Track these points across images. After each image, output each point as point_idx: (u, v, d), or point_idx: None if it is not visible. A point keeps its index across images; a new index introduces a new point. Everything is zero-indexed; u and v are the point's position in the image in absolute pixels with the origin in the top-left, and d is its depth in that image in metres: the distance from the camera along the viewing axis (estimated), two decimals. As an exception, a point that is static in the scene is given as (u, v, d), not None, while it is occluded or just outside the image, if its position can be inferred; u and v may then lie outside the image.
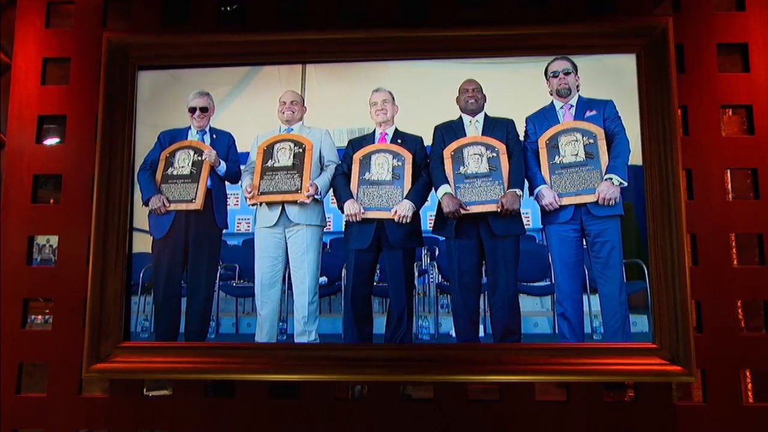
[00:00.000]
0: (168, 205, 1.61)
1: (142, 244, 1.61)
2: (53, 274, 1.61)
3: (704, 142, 1.54)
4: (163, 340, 1.58)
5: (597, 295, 1.53)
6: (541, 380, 1.51)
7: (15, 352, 1.59)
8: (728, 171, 1.55)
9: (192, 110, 1.64)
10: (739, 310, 1.52)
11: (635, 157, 1.54)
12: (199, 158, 1.63)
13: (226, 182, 1.63)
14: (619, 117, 1.56)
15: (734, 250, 1.53)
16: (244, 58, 1.64)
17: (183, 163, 1.63)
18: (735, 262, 1.54)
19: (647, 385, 1.50)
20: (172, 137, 1.64)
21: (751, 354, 1.48)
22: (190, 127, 1.64)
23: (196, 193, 1.61)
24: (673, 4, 1.62)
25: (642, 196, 1.52)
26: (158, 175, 1.63)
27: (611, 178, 1.53)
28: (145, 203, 1.61)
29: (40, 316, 1.76)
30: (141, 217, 1.62)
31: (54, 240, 2.48)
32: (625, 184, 1.53)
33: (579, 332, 1.51)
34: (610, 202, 1.53)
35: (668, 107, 1.50)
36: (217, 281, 1.60)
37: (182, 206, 1.61)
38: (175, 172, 1.63)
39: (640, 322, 1.50)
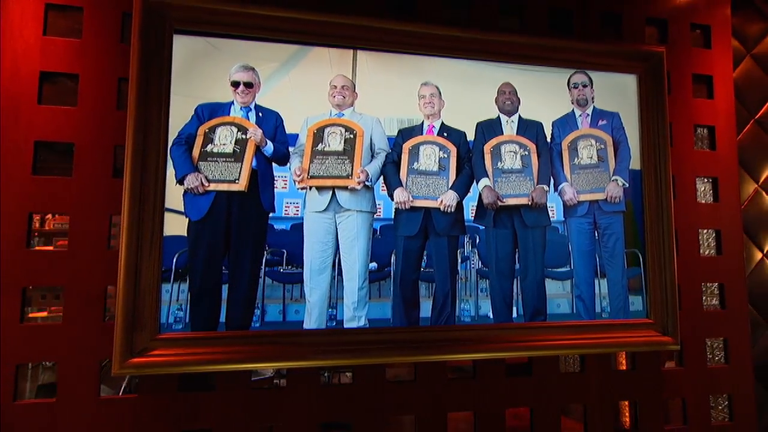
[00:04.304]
0: (207, 184, 1.48)
1: (175, 226, 1.46)
2: (64, 258, 1.38)
3: (682, 154, 1.88)
4: (201, 331, 1.45)
5: (605, 279, 1.78)
6: (563, 353, 1.73)
7: (13, 352, 1.33)
8: (697, 179, 1.91)
9: (235, 84, 1.52)
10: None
11: (634, 163, 1.82)
12: (243, 136, 1.52)
13: (274, 164, 1.55)
14: (623, 128, 1.82)
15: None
16: (291, 36, 1.57)
17: (225, 140, 1.51)
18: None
19: (640, 355, 1.79)
20: (212, 111, 1.51)
21: (710, 326, 1.86)
22: (232, 102, 1.52)
23: (239, 173, 1.50)
24: (661, 38, 1.94)
25: (639, 196, 1.81)
26: (195, 152, 1.48)
27: (617, 180, 1.79)
28: (180, 181, 1.46)
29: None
30: (173, 196, 1.46)
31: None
32: (627, 185, 1.80)
33: (592, 311, 1.75)
34: (616, 200, 1.78)
35: (662, 124, 1.80)
36: (262, 267, 1.52)
37: (224, 186, 1.49)
38: (215, 150, 1.50)
39: (636, 302, 1.79)
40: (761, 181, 2.15)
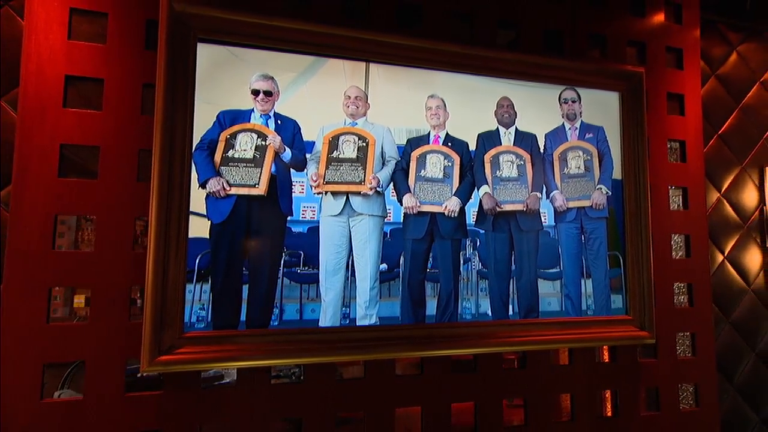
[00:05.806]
0: (228, 188, 1.54)
1: (197, 228, 1.51)
2: (90, 259, 1.42)
3: (658, 166, 2.07)
4: (223, 329, 1.51)
5: (590, 279, 1.94)
6: (554, 348, 1.88)
7: (39, 351, 1.36)
8: (670, 188, 2.11)
9: (255, 93, 1.59)
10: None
11: (615, 173, 2.00)
12: (263, 143, 1.59)
13: (292, 170, 1.62)
14: (607, 141, 2.00)
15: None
16: (309, 47, 1.65)
17: (245, 146, 1.57)
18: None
19: (621, 348, 1.97)
20: (234, 118, 1.57)
21: (680, 321, 2.06)
22: (253, 110, 1.59)
23: (259, 177, 1.57)
24: (640, 58, 2.12)
25: (620, 204, 1.99)
26: (217, 157, 1.54)
27: (601, 188, 1.96)
28: (202, 185, 1.52)
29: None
30: (196, 199, 1.52)
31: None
32: (610, 193, 1.97)
33: (578, 309, 1.91)
34: (600, 207, 1.96)
35: (641, 138, 1.98)
36: (281, 268, 1.59)
37: (244, 191, 1.56)
38: (236, 155, 1.56)
39: (617, 300, 1.96)
40: (723, 190, 2.39)
